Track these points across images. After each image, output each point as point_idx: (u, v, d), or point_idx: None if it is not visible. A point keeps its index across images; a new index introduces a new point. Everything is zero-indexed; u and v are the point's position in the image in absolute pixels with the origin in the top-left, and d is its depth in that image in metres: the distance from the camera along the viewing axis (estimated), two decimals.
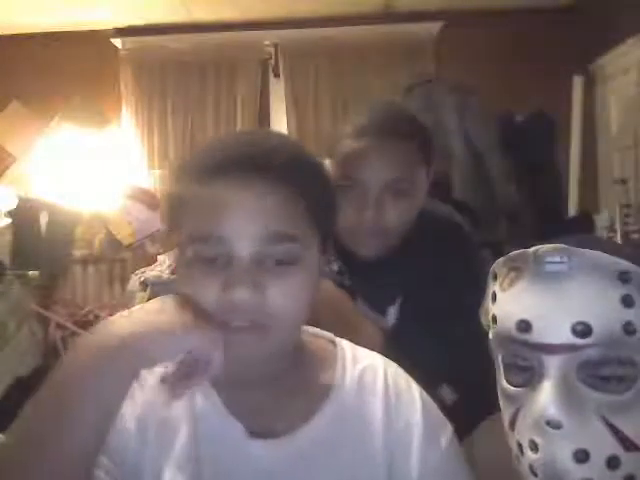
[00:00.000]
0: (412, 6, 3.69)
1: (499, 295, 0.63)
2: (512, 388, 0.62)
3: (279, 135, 0.72)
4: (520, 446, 0.61)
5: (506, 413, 0.63)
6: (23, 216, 3.27)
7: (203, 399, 0.67)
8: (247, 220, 0.60)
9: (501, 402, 0.65)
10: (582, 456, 0.55)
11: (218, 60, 3.90)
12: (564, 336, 0.55)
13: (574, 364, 0.56)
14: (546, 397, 0.56)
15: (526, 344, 0.58)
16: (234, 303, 0.59)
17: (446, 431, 0.70)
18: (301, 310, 0.64)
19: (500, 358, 0.64)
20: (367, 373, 0.72)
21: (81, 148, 3.82)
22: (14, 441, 0.54)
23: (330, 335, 0.77)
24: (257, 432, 0.65)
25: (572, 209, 3.31)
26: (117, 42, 3.87)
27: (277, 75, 3.94)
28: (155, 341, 0.56)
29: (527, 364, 0.59)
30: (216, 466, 0.64)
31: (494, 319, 0.64)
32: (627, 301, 0.55)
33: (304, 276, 0.62)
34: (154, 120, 3.91)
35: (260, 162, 0.61)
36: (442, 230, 1.15)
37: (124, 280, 3.48)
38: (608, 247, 0.58)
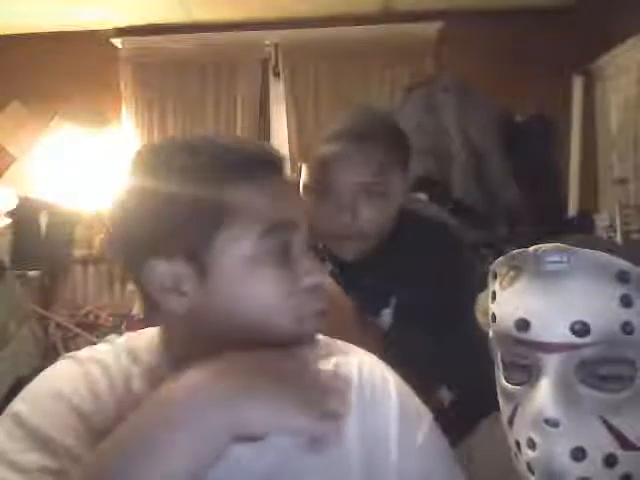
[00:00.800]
0: (412, 6, 3.69)
1: (498, 294, 0.63)
2: (511, 386, 0.62)
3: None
4: (518, 444, 0.61)
5: (505, 411, 0.63)
6: (23, 216, 3.27)
7: None
8: (301, 208, 0.67)
9: (500, 400, 0.65)
10: (579, 454, 0.55)
11: (218, 60, 3.90)
12: (562, 335, 0.56)
13: (573, 363, 0.56)
14: (544, 395, 0.56)
15: (525, 343, 0.59)
16: (316, 288, 0.63)
17: (424, 425, 0.69)
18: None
19: (499, 356, 0.65)
20: (340, 368, 0.70)
21: (81, 148, 3.82)
22: None
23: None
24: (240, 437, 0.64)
25: (572, 209, 3.31)
26: (117, 42, 3.87)
27: (277, 75, 3.94)
28: (256, 409, 0.52)
29: (526, 362, 0.59)
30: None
31: (493, 317, 0.64)
32: (626, 301, 0.55)
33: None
34: (154, 120, 3.91)
35: (278, 159, 0.66)
36: (427, 230, 1.16)
37: (124, 280, 3.48)
38: (608, 247, 0.59)
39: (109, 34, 3.86)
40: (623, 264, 0.56)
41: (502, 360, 0.64)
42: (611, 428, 0.55)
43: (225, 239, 0.60)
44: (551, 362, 0.56)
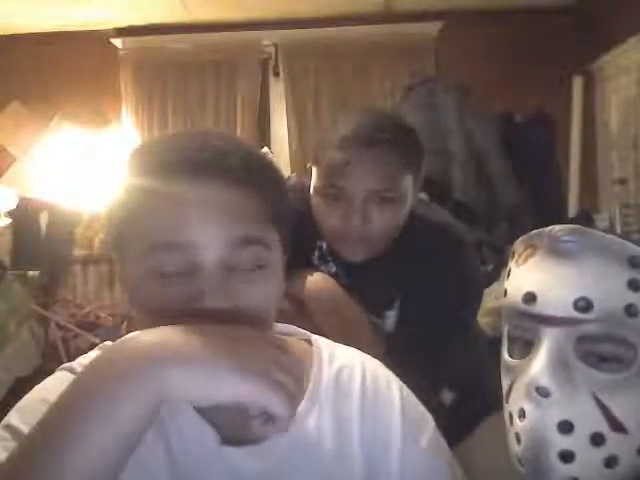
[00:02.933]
0: (412, 6, 3.69)
1: (513, 270, 0.65)
2: (512, 360, 0.63)
3: (229, 136, 0.68)
4: (511, 417, 0.61)
5: (504, 385, 0.64)
6: (23, 216, 3.27)
7: (171, 405, 0.63)
8: (210, 222, 0.57)
9: (502, 375, 0.66)
10: (567, 427, 0.56)
11: (218, 60, 3.90)
12: (565, 309, 0.57)
13: (573, 339, 0.57)
14: (539, 364, 0.57)
15: (530, 315, 0.60)
16: (206, 313, 0.55)
17: (427, 430, 0.69)
18: (272, 313, 0.62)
19: (506, 331, 0.66)
20: (344, 373, 0.69)
21: (81, 148, 3.82)
22: (11, 462, 0.50)
23: (306, 333, 0.75)
24: (231, 439, 0.62)
25: (572, 209, 3.32)
26: (117, 42, 3.87)
27: (277, 75, 3.94)
28: (186, 373, 0.49)
29: (529, 337, 0.61)
30: (192, 476, 0.61)
31: (505, 293, 0.66)
32: (633, 284, 0.56)
33: (272, 279, 0.61)
34: (154, 120, 3.91)
35: (212, 164, 0.58)
36: (429, 232, 1.16)
37: None
38: (620, 236, 0.60)
39: (109, 34, 3.86)
40: (635, 249, 0.57)
41: (508, 335, 0.65)
42: (603, 407, 0.55)
43: (127, 250, 0.60)
44: (551, 335, 0.57)
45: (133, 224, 0.59)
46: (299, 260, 1.14)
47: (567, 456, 0.56)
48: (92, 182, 3.74)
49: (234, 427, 0.62)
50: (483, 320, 0.75)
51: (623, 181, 3.12)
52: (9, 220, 3.31)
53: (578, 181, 3.33)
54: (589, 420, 0.56)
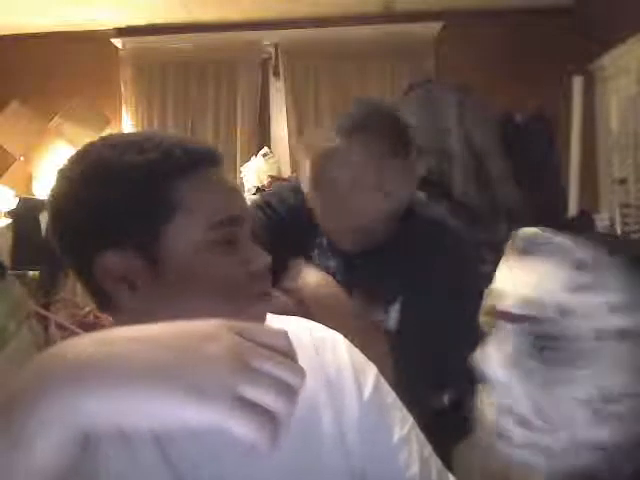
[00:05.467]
0: (412, 6, 3.69)
1: (498, 269, 0.69)
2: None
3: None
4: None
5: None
6: (23, 216, 3.27)
7: None
8: (244, 202, 0.69)
9: None
10: (505, 410, 0.61)
11: (218, 60, 3.90)
12: (510, 305, 0.62)
13: (518, 333, 0.61)
14: (488, 354, 0.63)
15: (490, 309, 0.65)
16: (262, 272, 0.66)
17: (371, 368, 0.78)
18: None
19: (480, 326, 0.70)
20: (294, 336, 0.73)
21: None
22: None
23: None
24: None
25: (572, 209, 3.31)
26: (117, 42, 3.87)
27: (277, 75, 3.94)
28: (111, 402, 0.39)
29: (494, 330, 0.65)
30: (180, 440, 0.63)
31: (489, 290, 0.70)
32: (573, 287, 0.59)
33: None
34: (154, 120, 3.91)
35: (216, 152, 0.69)
36: (430, 231, 1.16)
37: None
38: (618, 236, 0.62)
39: (109, 34, 3.86)
40: (583, 254, 0.59)
41: (481, 329, 0.69)
42: (534, 399, 0.59)
43: (174, 233, 0.62)
44: (503, 328, 0.62)
45: (188, 207, 0.63)
46: (300, 257, 1.15)
47: (503, 435, 0.61)
48: None
49: None
50: (482, 319, 0.76)
51: (623, 181, 3.12)
52: (9, 220, 3.31)
53: (578, 181, 3.33)
54: (523, 406, 0.60)
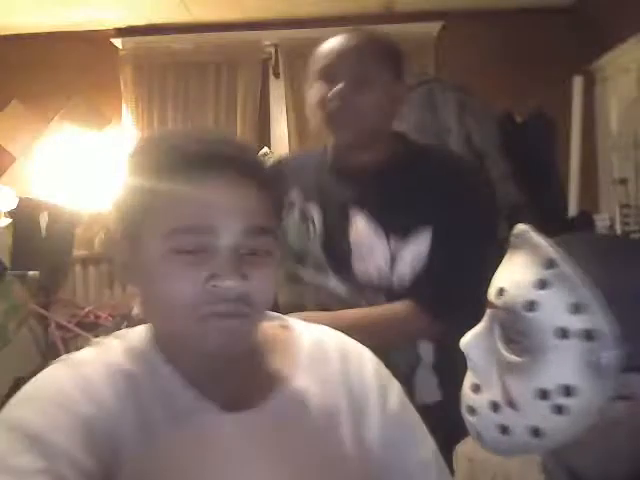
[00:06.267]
0: (412, 6, 3.69)
1: None
2: None
3: (230, 134, 0.75)
4: None
5: None
6: (23, 216, 3.27)
7: (169, 385, 0.68)
8: (233, 213, 0.63)
9: None
10: (475, 389, 0.66)
11: (218, 60, 3.90)
12: (492, 295, 0.66)
13: (495, 320, 0.65)
14: (470, 333, 0.68)
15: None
16: (221, 292, 0.61)
17: (396, 384, 0.78)
18: (271, 296, 0.68)
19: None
20: (320, 343, 0.77)
21: (81, 148, 3.82)
22: None
23: (285, 318, 0.81)
24: (226, 408, 0.67)
25: (572, 209, 3.31)
26: (117, 42, 3.87)
27: (277, 75, 3.94)
28: None
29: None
30: (190, 441, 0.65)
31: None
32: (540, 283, 0.61)
33: (274, 266, 0.67)
34: (154, 120, 3.91)
35: (237, 159, 0.65)
36: (443, 158, 1.33)
37: None
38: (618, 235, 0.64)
39: (109, 34, 3.86)
40: (554, 254, 0.61)
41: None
42: (503, 383, 0.63)
43: (146, 235, 0.64)
44: (486, 315, 0.67)
45: (155, 210, 0.64)
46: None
47: (473, 411, 0.66)
48: (92, 182, 3.74)
49: (225, 395, 0.68)
50: None
51: (623, 181, 3.12)
52: (9, 220, 3.31)
53: (578, 181, 3.33)
54: (492, 389, 0.64)
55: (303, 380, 0.72)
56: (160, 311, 0.65)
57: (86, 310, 3.29)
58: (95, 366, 0.67)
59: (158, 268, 0.63)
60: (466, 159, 1.37)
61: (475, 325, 0.68)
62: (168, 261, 0.62)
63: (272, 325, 0.79)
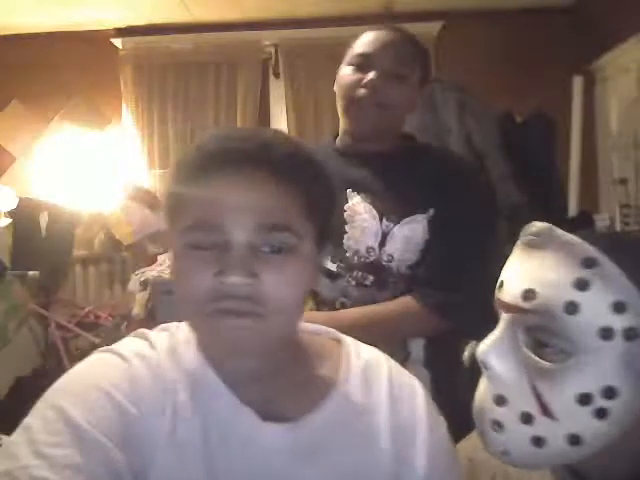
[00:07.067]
0: (412, 6, 3.69)
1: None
2: None
3: (276, 131, 0.72)
4: None
5: None
6: (23, 216, 3.27)
7: (209, 389, 0.67)
8: (243, 209, 0.62)
9: None
10: (500, 401, 0.62)
11: (218, 60, 3.90)
12: (515, 298, 0.62)
13: (520, 325, 0.62)
14: (486, 342, 0.64)
15: (497, 300, 0.66)
16: (228, 288, 0.60)
17: (444, 424, 0.73)
18: (296, 299, 0.65)
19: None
20: (371, 366, 0.74)
21: (81, 148, 3.82)
22: None
23: (335, 332, 0.79)
24: (268, 417, 0.67)
25: (572, 209, 3.31)
26: (117, 42, 3.87)
27: (277, 75, 3.94)
28: None
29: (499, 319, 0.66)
30: (228, 452, 0.64)
31: None
32: (580, 283, 0.58)
33: (298, 266, 0.64)
34: (154, 120, 3.91)
35: (255, 155, 0.63)
36: (449, 157, 1.38)
37: (124, 280, 3.48)
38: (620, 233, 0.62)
39: (109, 34, 3.86)
40: (592, 252, 0.59)
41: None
42: (536, 391, 0.59)
43: (171, 231, 0.66)
44: (505, 319, 0.63)
45: (176, 207, 0.65)
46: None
47: (498, 425, 0.62)
48: (92, 182, 3.74)
49: (266, 409, 0.67)
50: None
51: (623, 181, 3.12)
52: (9, 220, 3.31)
53: (578, 181, 3.33)
54: (522, 400, 0.60)
55: (350, 400, 0.70)
56: (182, 307, 0.65)
57: (86, 310, 3.29)
58: (141, 363, 0.67)
59: (177, 263, 0.65)
60: (466, 160, 1.39)
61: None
62: (184, 257, 0.63)
63: (321, 336, 0.78)
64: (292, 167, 0.64)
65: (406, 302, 1.19)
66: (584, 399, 0.57)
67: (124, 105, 3.91)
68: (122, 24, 3.85)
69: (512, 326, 0.62)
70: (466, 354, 1.35)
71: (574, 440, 0.58)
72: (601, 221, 3.06)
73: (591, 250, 0.59)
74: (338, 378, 0.71)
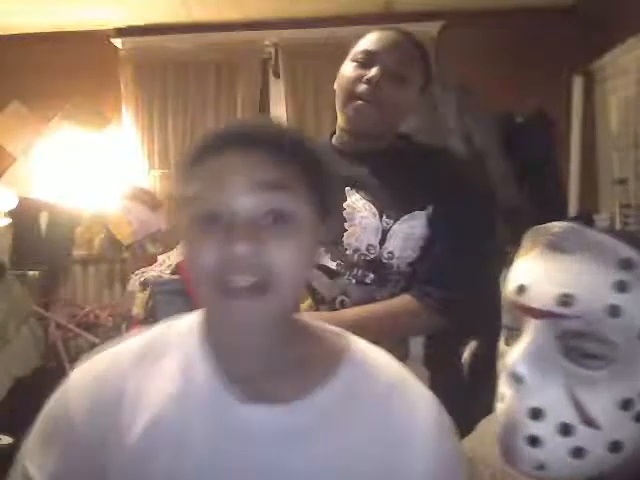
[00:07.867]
0: (412, 6, 3.69)
1: (515, 262, 0.67)
2: (504, 347, 0.65)
3: (274, 117, 0.76)
4: (496, 399, 0.64)
5: (498, 371, 0.66)
6: (23, 216, 3.27)
7: (200, 364, 0.70)
8: (241, 172, 0.64)
9: (497, 362, 0.67)
10: (537, 414, 0.58)
11: (218, 60, 3.90)
12: (548, 303, 0.58)
13: (554, 332, 0.58)
14: (517, 353, 0.59)
15: (520, 306, 0.62)
16: (234, 257, 0.61)
17: (449, 426, 0.71)
18: (299, 271, 0.66)
19: (504, 320, 0.67)
20: (376, 361, 0.74)
21: (81, 148, 3.82)
22: None
23: (339, 330, 0.79)
24: (254, 399, 0.67)
25: (572, 209, 3.31)
26: (117, 42, 3.87)
27: (277, 75, 3.94)
28: None
29: (518, 326, 0.62)
30: (207, 430, 0.66)
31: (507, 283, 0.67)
32: (620, 286, 0.56)
33: (301, 237, 0.65)
34: (154, 120, 3.91)
35: (252, 133, 0.67)
36: (446, 156, 1.38)
37: (124, 280, 3.48)
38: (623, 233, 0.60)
39: (109, 34, 3.86)
40: (628, 252, 0.57)
41: (504, 324, 0.67)
42: (576, 401, 0.57)
43: (187, 209, 0.67)
44: (535, 327, 0.59)
45: (186, 183, 0.68)
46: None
47: (534, 441, 0.58)
48: (92, 182, 3.74)
49: (256, 389, 0.67)
50: (505, 316, 0.79)
51: (623, 181, 3.12)
52: (9, 220, 3.31)
53: (578, 181, 3.33)
54: (560, 410, 0.57)
55: (346, 393, 0.69)
56: (194, 283, 0.66)
57: (86, 310, 3.29)
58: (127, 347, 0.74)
59: (185, 237, 0.66)
60: (466, 158, 1.40)
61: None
62: (192, 232, 0.65)
63: (324, 328, 0.77)
64: (288, 140, 0.67)
65: (405, 300, 1.19)
66: (626, 404, 0.55)
67: (124, 105, 3.90)
68: (122, 24, 3.85)
69: (544, 333, 0.59)
70: (466, 354, 1.34)
71: (615, 447, 0.56)
72: (601, 221, 3.06)
73: (627, 250, 0.57)
74: (339, 366, 0.71)
